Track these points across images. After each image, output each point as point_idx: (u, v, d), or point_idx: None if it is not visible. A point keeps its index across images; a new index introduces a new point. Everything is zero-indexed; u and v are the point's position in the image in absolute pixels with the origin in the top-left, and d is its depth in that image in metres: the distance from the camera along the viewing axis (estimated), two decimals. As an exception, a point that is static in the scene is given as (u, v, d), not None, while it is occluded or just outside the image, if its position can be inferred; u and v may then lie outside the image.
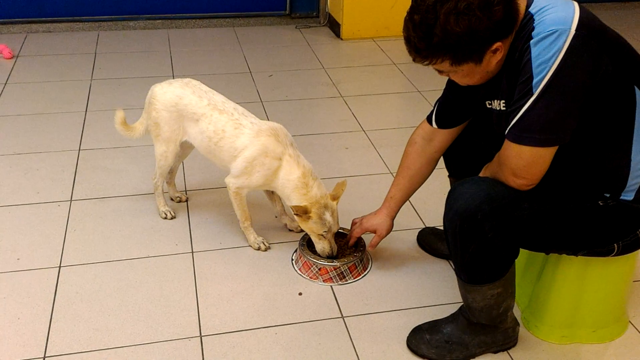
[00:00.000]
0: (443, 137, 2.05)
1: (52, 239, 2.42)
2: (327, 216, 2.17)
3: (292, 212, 2.18)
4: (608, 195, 1.69)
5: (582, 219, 1.70)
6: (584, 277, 1.90)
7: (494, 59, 1.60)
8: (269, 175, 2.22)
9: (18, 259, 2.31)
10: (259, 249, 2.36)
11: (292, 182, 2.19)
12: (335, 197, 2.22)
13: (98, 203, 2.65)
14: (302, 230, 2.39)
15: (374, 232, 2.21)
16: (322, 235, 2.19)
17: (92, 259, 2.33)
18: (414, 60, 1.63)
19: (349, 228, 2.33)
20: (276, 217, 2.52)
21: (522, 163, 1.60)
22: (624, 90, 1.59)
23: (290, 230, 2.48)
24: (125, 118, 2.53)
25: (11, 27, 4.54)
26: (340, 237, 2.37)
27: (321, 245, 2.22)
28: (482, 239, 1.68)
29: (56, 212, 2.58)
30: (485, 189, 1.68)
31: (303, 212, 2.15)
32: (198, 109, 2.29)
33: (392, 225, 2.21)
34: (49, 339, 1.97)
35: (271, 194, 2.45)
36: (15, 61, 4.05)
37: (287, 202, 2.25)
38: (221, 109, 2.29)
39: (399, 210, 2.20)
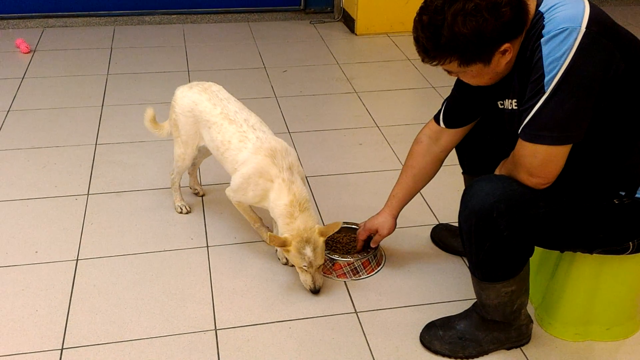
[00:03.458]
0: (450, 137, 2.05)
1: (69, 232, 2.46)
2: (308, 251, 2.05)
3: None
4: (623, 193, 1.69)
5: (598, 218, 1.70)
6: (599, 275, 1.90)
7: (503, 60, 1.60)
8: (261, 194, 2.15)
9: (36, 252, 2.35)
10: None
11: (279, 208, 2.10)
12: (323, 234, 2.10)
13: (114, 197, 2.68)
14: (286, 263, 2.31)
15: (377, 231, 2.21)
16: (303, 268, 2.11)
17: (108, 252, 2.36)
18: (422, 60, 1.64)
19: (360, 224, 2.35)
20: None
21: (537, 162, 1.60)
22: (636, 87, 1.59)
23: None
24: (155, 116, 2.55)
25: (28, 22, 4.58)
26: (351, 232, 2.38)
27: (303, 278, 2.14)
28: (497, 237, 1.68)
29: (73, 206, 2.62)
30: (500, 187, 1.68)
31: (280, 244, 2.07)
32: (211, 117, 2.26)
33: (394, 224, 2.20)
34: (66, 331, 2.00)
35: None
36: (33, 56, 4.09)
37: (274, 223, 2.21)
38: (232, 118, 2.23)
39: (401, 209, 2.19)
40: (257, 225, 2.35)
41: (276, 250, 2.34)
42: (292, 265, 2.23)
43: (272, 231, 2.37)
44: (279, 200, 2.10)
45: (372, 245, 2.26)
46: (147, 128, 2.57)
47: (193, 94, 2.35)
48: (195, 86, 2.38)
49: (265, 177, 2.13)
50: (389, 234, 2.21)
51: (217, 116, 2.25)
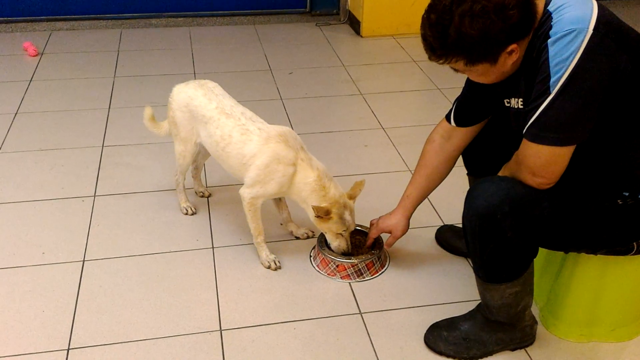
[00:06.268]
0: (461, 135, 2.06)
1: (76, 233, 2.47)
2: (347, 215, 2.16)
3: (312, 214, 2.16)
4: (627, 194, 1.68)
5: (601, 218, 1.70)
6: (603, 275, 1.90)
7: (509, 60, 1.60)
8: (284, 182, 2.17)
9: (43, 253, 2.36)
10: (269, 267, 2.30)
11: (309, 185, 2.15)
12: (352, 197, 2.21)
13: (121, 199, 2.70)
14: (308, 237, 2.41)
15: (390, 232, 2.22)
16: (340, 234, 2.20)
17: (115, 253, 2.37)
18: (429, 58, 1.64)
19: (367, 226, 2.34)
20: (281, 224, 2.50)
21: (541, 162, 1.60)
22: (641, 89, 1.59)
23: (296, 237, 2.46)
24: (154, 115, 2.57)
25: (36, 25, 4.61)
26: (358, 234, 2.39)
27: (337, 243, 2.22)
28: (501, 238, 1.69)
29: (80, 207, 2.63)
30: (504, 188, 1.68)
31: (325, 213, 2.13)
32: (206, 112, 2.28)
33: (407, 225, 2.21)
34: (72, 332, 2.02)
35: (278, 200, 2.43)
36: (40, 59, 4.12)
37: (303, 204, 2.22)
38: (228, 112, 2.25)
39: (414, 209, 2.20)
40: (259, 240, 2.31)
41: (291, 232, 2.45)
42: (278, 268, 2.29)
43: (272, 251, 2.34)
44: (307, 179, 2.16)
45: (387, 247, 2.26)
46: (146, 127, 2.59)
47: (189, 89, 2.37)
48: (192, 82, 2.42)
49: (284, 162, 2.15)
50: (402, 235, 2.22)
51: (213, 111, 2.27)
